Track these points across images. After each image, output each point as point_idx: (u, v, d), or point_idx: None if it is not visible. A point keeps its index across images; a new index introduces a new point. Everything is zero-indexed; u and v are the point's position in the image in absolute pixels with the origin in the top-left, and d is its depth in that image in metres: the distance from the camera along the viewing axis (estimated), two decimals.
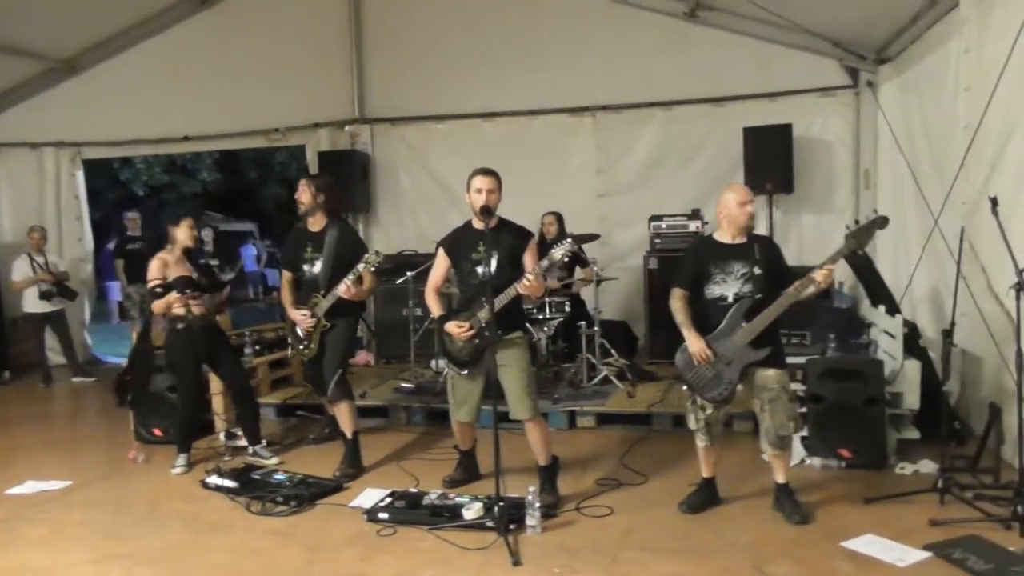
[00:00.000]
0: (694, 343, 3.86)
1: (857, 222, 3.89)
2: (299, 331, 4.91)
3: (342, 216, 5.24)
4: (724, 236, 3.98)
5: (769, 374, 3.86)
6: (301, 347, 4.96)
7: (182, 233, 5.00)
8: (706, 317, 3.91)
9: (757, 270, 3.86)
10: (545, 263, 3.99)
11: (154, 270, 4.91)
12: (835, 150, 7.38)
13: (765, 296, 3.83)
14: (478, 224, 4.15)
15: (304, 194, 4.94)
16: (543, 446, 4.25)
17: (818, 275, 3.70)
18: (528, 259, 4.15)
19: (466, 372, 4.23)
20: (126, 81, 8.70)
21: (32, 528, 4.19)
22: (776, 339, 3.94)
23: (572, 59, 7.90)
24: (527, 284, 3.97)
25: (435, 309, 4.36)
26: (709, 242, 4.09)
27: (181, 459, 5.02)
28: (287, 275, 5.04)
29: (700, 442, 4.05)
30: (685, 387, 4.00)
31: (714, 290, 3.91)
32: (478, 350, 4.17)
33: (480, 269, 4.12)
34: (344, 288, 4.66)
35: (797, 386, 4.75)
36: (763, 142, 7.07)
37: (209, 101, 8.58)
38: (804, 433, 4.68)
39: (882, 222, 3.77)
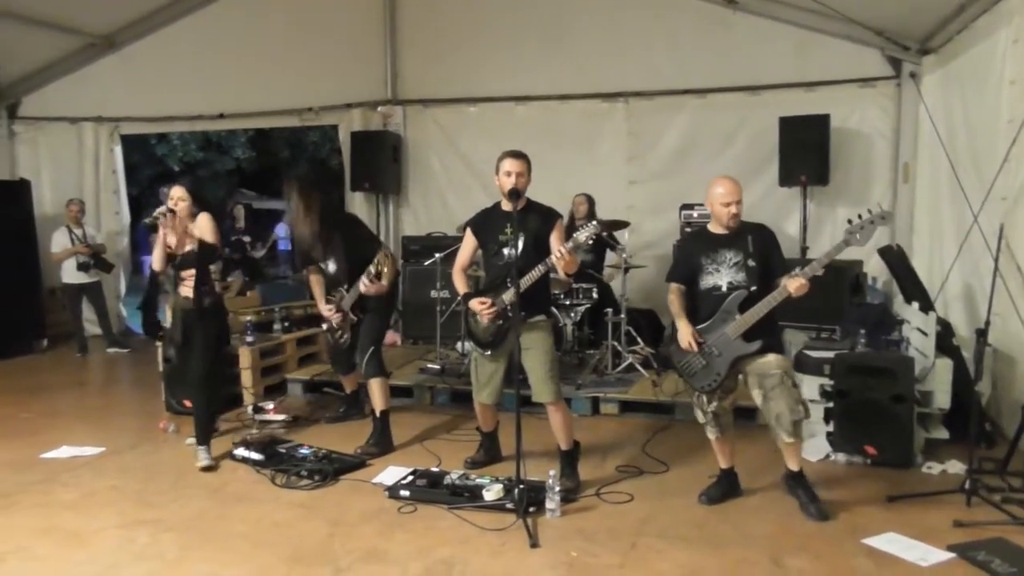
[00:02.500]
0: (684, 330, 3.90)
1: (860, 216, 3.73)
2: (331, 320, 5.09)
3: (340, 213, 5.26)
4: (716, 227, 3.97)
5: (769, 360, 3.82)
6: (338, 334, 5.15)
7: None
8: (699, 308, 3.93)
9: (751, 262, 3.82)
10: (570, 244, 3.98)
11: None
12: (873, 142, 7.23)
13: (760, 288, 3.80)
14: (506, 206, 4.15)
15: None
16: (565, 430, 4.28)
17: (791, 285, 3.63)
18: (555, 240, 4.15)
19: (489, 353, 4.27)
20: (164, 58, 8.80)
21: (64, 492, 4.31)
22: (771, 330, 3.92)
23: (605, 44, 7.83)
24: (558, 257, 3.97)
25: (461, 287, 4.38)
26: (697, 235, 4.13)
27: (201, 453, 4.65)
28: (311, 272, 5.20)
29: (710, 434, 4.05)
30: (678, 376, 4.04)
31: (707, 280, 3.90)
32: (502, 331, 4.20)
33: (507, 251, 4.13)
34: (364, 288, 4.84)
35: (824, 381, 4.71)
36: (799, 132, 6.95)
37: (244, 79, 8.65)
38: (829, 429, 4.65)
39: (883, 217, 3.71)
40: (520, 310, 3.96)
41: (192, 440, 4.78)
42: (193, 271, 4.55)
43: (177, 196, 4.60)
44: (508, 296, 4.10)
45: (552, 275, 4.31)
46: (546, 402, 4.21)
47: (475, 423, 4.77)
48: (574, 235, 3.98)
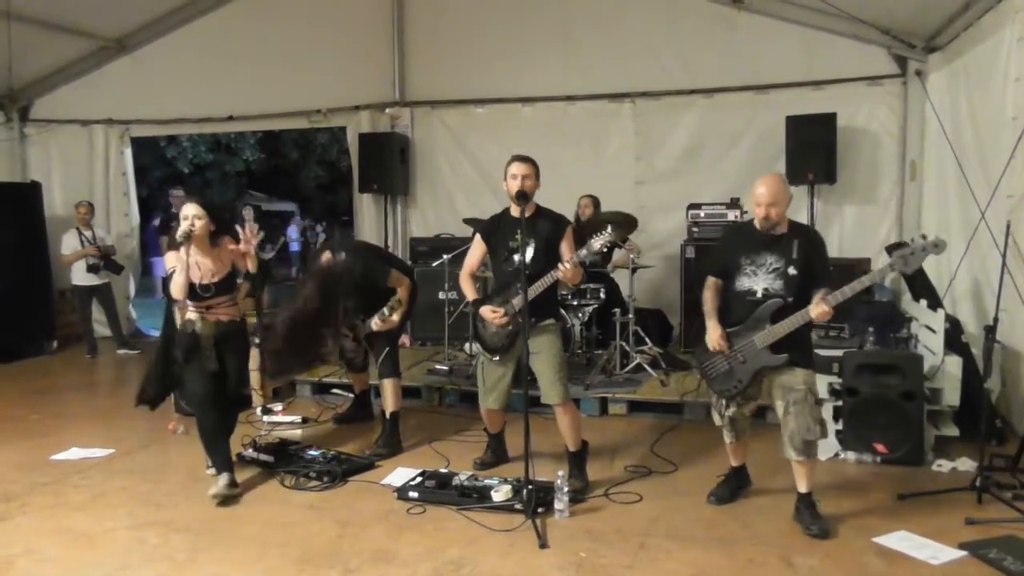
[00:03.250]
0: (712, 331, 3.76)
1: (903, 244, 3.47)
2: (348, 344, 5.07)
3: (356, 261, 4.89)
4: (761, 226, 3.74)
5: (796, 374, 3.66)
6: (350, 355, 5.18)
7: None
8: (731, 309, 3.78)
9: (792, 270, 3.62)
10: (584, 252, 3.98)
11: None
12: (880, 140, 7.19)
13: (797, 298, 3.61)
14: (516, 211, 4.10)
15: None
16: (573, 431, 4.27)
17: (813, 311, 3.48)
18: (565, 248, 4.14)
19: (497, 358, 4.27)
20: (174, 61, 8.82)
21: (75, 493, 4.31)
22: (802, 343, 3.70)
23: (612, 45, 7.80)
24: (564, 270, 3.97)
25: (469, 293, 4.41)
26: (744, 230, 3.92)
27: (221, 480, 4.17)
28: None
29: (726, 438, 3.99)
30: (698, 375, 3.94)
31: (743, 282, 3.73)
32: (511, 337, 4.20)
33: (517, 256, 4.11)
34: (375, 326, 4.82)
35: (832, 379, 4.68)
36: (806, 131, 6.92)
37: (253, 81, 8.65)
38: (839, 427, 4.62)
39: (936, 246, 3.35)
40: (530, 315, 3.97)
41: (214, 470, 4.31)
42: (224, 299, 4.27)
43: (192, 215, 4.13)
44: (518, 302, 4.07)
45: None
46: (554, 404, 4.21)
47: (483, 424, 4.76)
48: (589, 242, 3.98)
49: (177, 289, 4.11)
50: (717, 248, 3.94)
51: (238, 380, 4.41)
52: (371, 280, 4.82)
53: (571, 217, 6.86)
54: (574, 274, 4.02)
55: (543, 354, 4.15)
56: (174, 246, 4.11)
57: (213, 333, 4.27)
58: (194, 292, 4.18)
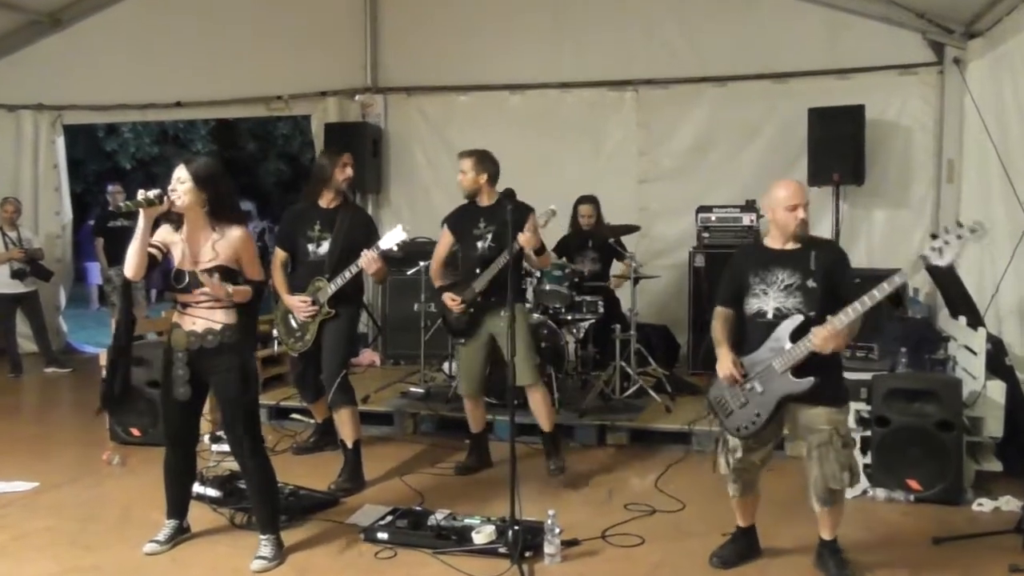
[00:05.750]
0: (723, 359, 3.68)
1: (947, 230, 3.27)
2: (293, 321, 4.93)
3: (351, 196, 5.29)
4: (774, 241, 3.73)
5: (818, 412, 3.57)
6: (292, 340, 4.97)
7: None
8: (746, 337, 3.71)
9: (811, 283, 3.57)
10: (528, 227, 4.60)
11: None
12: (914, 136, 7.25)
13: (820, 314, 3.53)
14: (482, 201, 4.91)
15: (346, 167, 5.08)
16: (546, 412, 4.87)
17: (815, 338, 3.41)
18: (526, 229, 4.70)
19: (463, 341, 4.92)
20: (115, 38, 8.78)
21: None
22: (829, 371, 3.61)
23: (613, 25, 7.83)
24: (524, 238, 4.57)
25: (437, 281, 5.08)
26: (754, 248, 3.94)
27: (162, 531, 4.03)
28: (281, 255, 5.07)
29: (731, 490, 3.84)
30: (709, 412, 3.85)
31: (752, 304, 3.68)
32: (472, 317, 4.85)
33: (480, 244, 4.84)
34: (364, 262, 4.65)
35: (860, 406, 4.67)
36: (831, 125, 6.95)
37: (205, 64, 8.63)
38: (867, 460, 4.61)
39: (975, 231, 3.24)
40: (490, 296, 4.72)
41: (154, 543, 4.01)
42: (205, 298, 3.73)
43: (176, 177, 3.70)
44: (478, 284, 4.77)
45: (528, 265, 5.34)
46: (526, 384, 4.73)
47: (463, 454, 5.03)
48: (533, 215, 4.72)
49: (127, 263, 3.65)
50: (725, 274, 3.89)
51: (232, 415, 3.84)
52: (356, 233, 5.00)
53: (566, 225, 6.87)
54: (530, 240, 4.60)
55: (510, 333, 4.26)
56: (170, 219, 3.73)
57: (185, 345, 3.76)
58: (169, 282, 3.76)
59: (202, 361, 3.77)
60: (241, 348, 3.83)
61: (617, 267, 6.92)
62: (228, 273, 3.74)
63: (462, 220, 4.99)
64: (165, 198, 3.63)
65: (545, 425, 4.91)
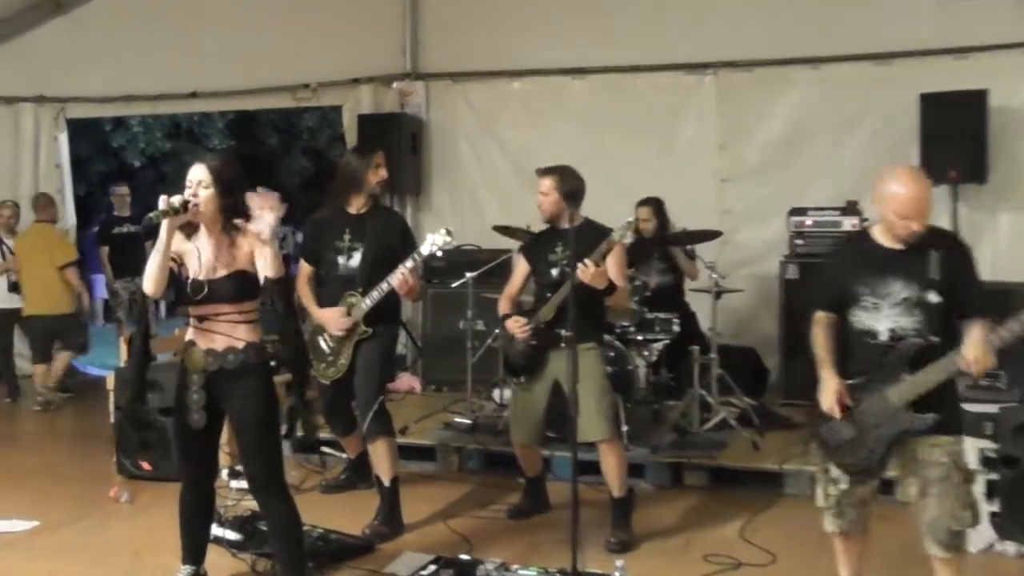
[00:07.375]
0: (828, 384, 3.61)
1: None
2: (323, 343, 4.98)
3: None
4: (885, 236, 3.59)
5: (934, 443, 3.49)
6: (324, 365, 5.01)
7: None
8: (851, 354, 3.63)
9: (932, 297, 3.45)
10: (603, 246, 4.44)
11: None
12: None
13: (944, 338, 3.44)
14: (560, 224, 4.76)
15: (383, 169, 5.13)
16: (619, 474, 4.68)
17: (969, 353, 3.27)
18: (611, 263, 4.60)
19: (523, 380, 4.81)
20: (122, 23, 9.01)
21: None
22: (946, 399, 3.52)
23: (689, 1, 7.84)
24: (584, 269, 4.35)
25: (504, 309, 4.97)
26: (861, 244, 3.75)
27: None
28: (306, 269, 5.14)
29: (829, 525, 3.74)
30: (814, 442, 3.76)
31: (861, 319, 3.58)
32: (536, 352, 4.73)
33: (554, 271, 4.75)
34: (398, 281, 4.69)
35: (984, 444, 4.58)
36: (946, 114, 6.87)
37: (223, 49, 8.81)
38: (995, 509, 4.51)
39: None
40: (558, 327, 4.52)
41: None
42: (226, 308, 3.71)
43: (196, 180, 3.67)
44: (545, 312, 4.67)
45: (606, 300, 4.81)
46: (597, 440, 4.57)
47: (516, 495, 5.05)
48: (611, 234, 4.49)
49: (147, 278, 3.62)
50: (825, 272, 3.80)
51: (253, 454, 3.82)
52: (391, 240, 5.00)
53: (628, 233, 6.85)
54: (596, 274, 4.38)
55: (582, 382, 4.23)
56: (184, 230, 3.71)
57: (203, 366, 3.73)
58: (184, 294, 3.73)
59: (220, 384, 3.74)
60: (263, 371, 3.80)
61: (686, 264, 6.93)
62: (247, 280, 3.70)
63: (537, 246, 4.98)
64: (189, 205, 3.61)
65: (616, 490, 4.70)
